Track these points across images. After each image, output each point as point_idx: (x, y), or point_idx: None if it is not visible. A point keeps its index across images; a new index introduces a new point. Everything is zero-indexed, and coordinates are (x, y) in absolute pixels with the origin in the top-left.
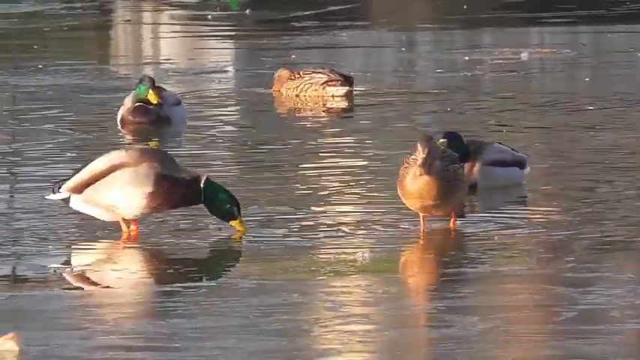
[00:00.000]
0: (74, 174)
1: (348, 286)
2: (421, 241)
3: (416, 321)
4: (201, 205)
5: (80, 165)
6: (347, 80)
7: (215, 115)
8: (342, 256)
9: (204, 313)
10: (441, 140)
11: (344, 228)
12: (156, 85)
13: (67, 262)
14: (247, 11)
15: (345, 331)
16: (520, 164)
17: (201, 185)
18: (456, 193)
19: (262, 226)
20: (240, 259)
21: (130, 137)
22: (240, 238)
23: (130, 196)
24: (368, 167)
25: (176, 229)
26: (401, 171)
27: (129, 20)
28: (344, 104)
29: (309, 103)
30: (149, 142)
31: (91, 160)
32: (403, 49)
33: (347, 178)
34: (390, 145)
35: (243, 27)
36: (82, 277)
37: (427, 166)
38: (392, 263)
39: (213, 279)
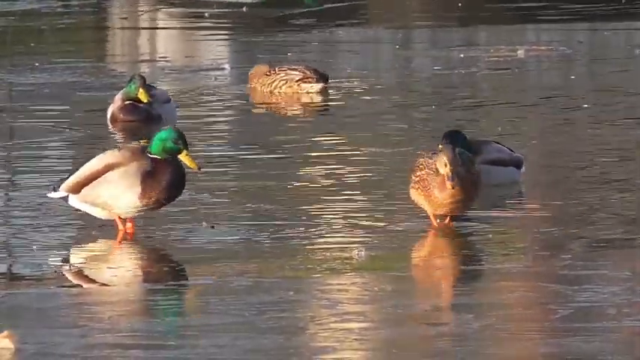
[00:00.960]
0: (72, 173)
1: (344, 284)
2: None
3: (412, 319)
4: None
5: (76, 164)
6: (322, 77)
7: (209, 114)
8: (338, 254)
9: (200, 311)
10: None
11: (340, 226)
12: (146, 83)
13: (63, 260)
14: (244, 8)
15: (341, 329)
16: (517, 164)
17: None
18: (479, 193)
19: (257, 224)
20: (236, 257)
21: (120, 135)
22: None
23: (123, 195)
24: (362, 164)
25: (172, 227)
26: (422, 175)
27: (125, 18)
28: (319, 100)
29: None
30: (140, 140)
31: (88, 159)
32: (397, 46)
33: (341, 175)
34: (384, 143)
35: (239, 24)
36: (78, 275)
37: (456, 179)
38: (388, 261)
39: (209, 277)
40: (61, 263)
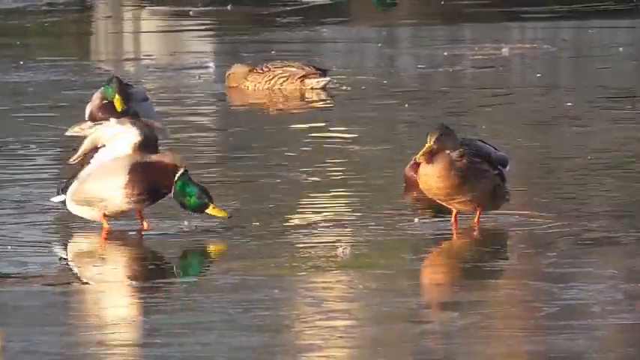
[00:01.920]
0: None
1: (329, 282)
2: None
3: (397, 317)
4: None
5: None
6: (323, 72)
7: (193, 113)
8: (323, 252)
9: (185, 309)
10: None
11: (324, 223)
12: (123, 82)
13: (49, 259)
14: (229, 6)
15: (326, 327)
16: (502, 163)
17: (175, 178)
18: (467, 185)
19: (242, 222)
20: (222, 255)
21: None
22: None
23: (110, 187)
24: (348, 163)
25: (157, 225)
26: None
27: (110, 16)
28: (322, 99)
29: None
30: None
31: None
32: (379, 44)
33: (327, 173)
34: (369, 141)
35: (224, 22)
36: (64, 273)
37: (426, 155)
38: (373, 259)
39: (194, 275)
40: (45, 262)
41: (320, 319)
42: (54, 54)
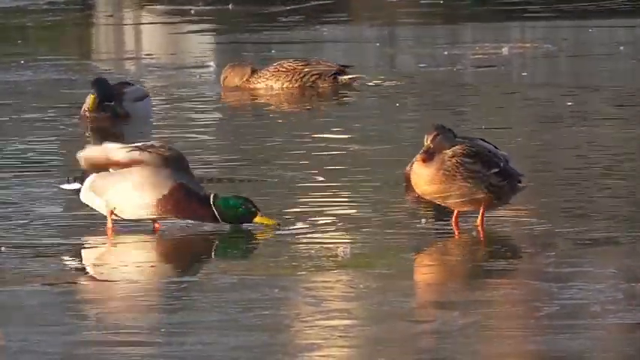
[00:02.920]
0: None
1: (329, 281)
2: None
3: (397, 316)
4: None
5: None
6: (347, 68)
7: (193, 111)
8: (323, 251)
9: (185, 309)
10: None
11: (325, 223)
12: (106, 83)
13: (48, 258)
14: (230, 6)
15: (326, 326)
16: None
17: (212, 205)
18: (454, 186)
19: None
20: (221, 254)
21: (89, 133)
22: (276, 228)
23: (140, 195)
24: (349, 162)
25: (157, 225)
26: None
27: (111, 15)
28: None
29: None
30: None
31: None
32: (378, 44)
33: (327, 173)
34: (370, 140)
35: (224, 22)
36: (63, 272)
37: (424, 154)
38: (373, 258)
39: (194, 274)
40: (45, 261)
41: (320, 319)
42: (54, 53)
